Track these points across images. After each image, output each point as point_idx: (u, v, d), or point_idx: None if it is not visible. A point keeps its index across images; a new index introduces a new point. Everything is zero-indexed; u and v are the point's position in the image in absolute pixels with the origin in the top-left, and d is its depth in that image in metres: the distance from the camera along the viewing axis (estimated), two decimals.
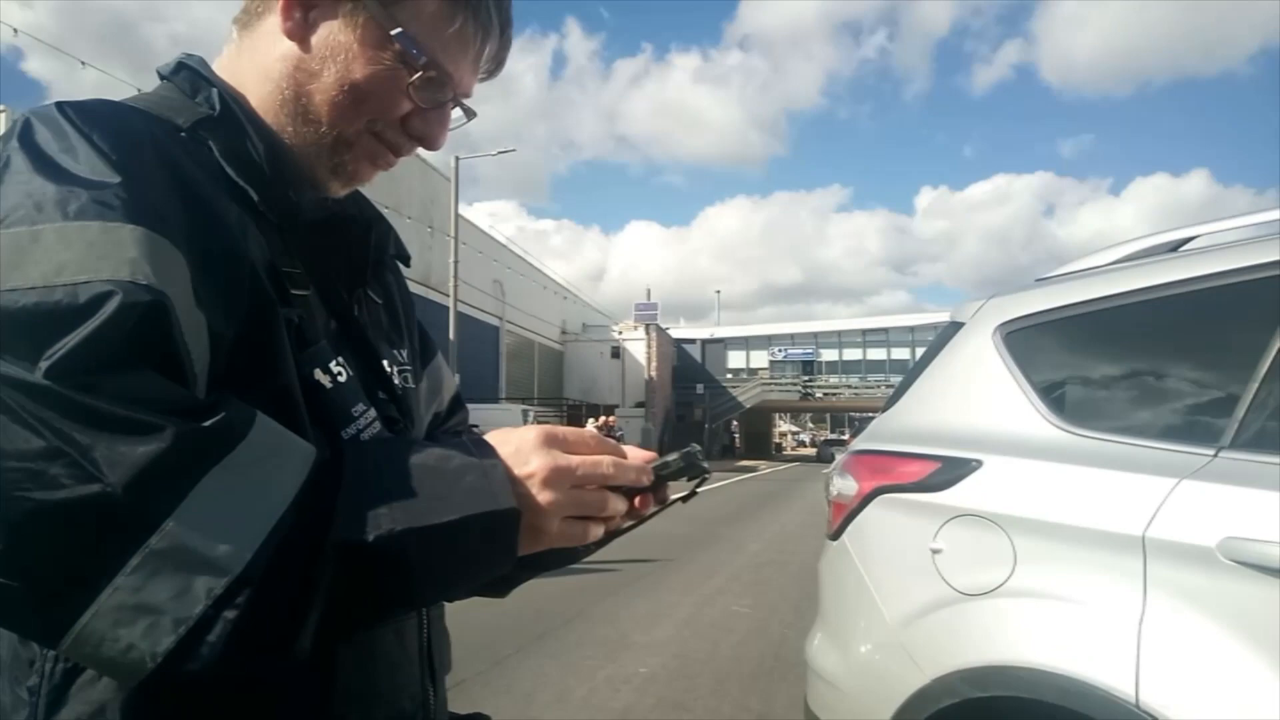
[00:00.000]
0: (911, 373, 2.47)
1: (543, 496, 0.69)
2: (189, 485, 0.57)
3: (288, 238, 0.77)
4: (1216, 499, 1.61)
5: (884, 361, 54.20)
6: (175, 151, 0.70)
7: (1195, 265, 1.90)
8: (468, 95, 0.85)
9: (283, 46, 0.79)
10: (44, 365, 0.55)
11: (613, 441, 0.77)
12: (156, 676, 0.56)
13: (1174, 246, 2.07)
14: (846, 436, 60.61)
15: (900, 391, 2.46)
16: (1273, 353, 1.68)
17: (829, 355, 56.18)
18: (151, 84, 0.83)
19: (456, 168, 25.31)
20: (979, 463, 2.00)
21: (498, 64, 0.87)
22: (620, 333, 48.17)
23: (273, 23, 0.79)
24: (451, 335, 22.47)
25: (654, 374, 46.96)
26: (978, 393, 2.17)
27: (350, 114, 0.80)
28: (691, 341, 56.27)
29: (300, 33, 0.78)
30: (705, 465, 0.80)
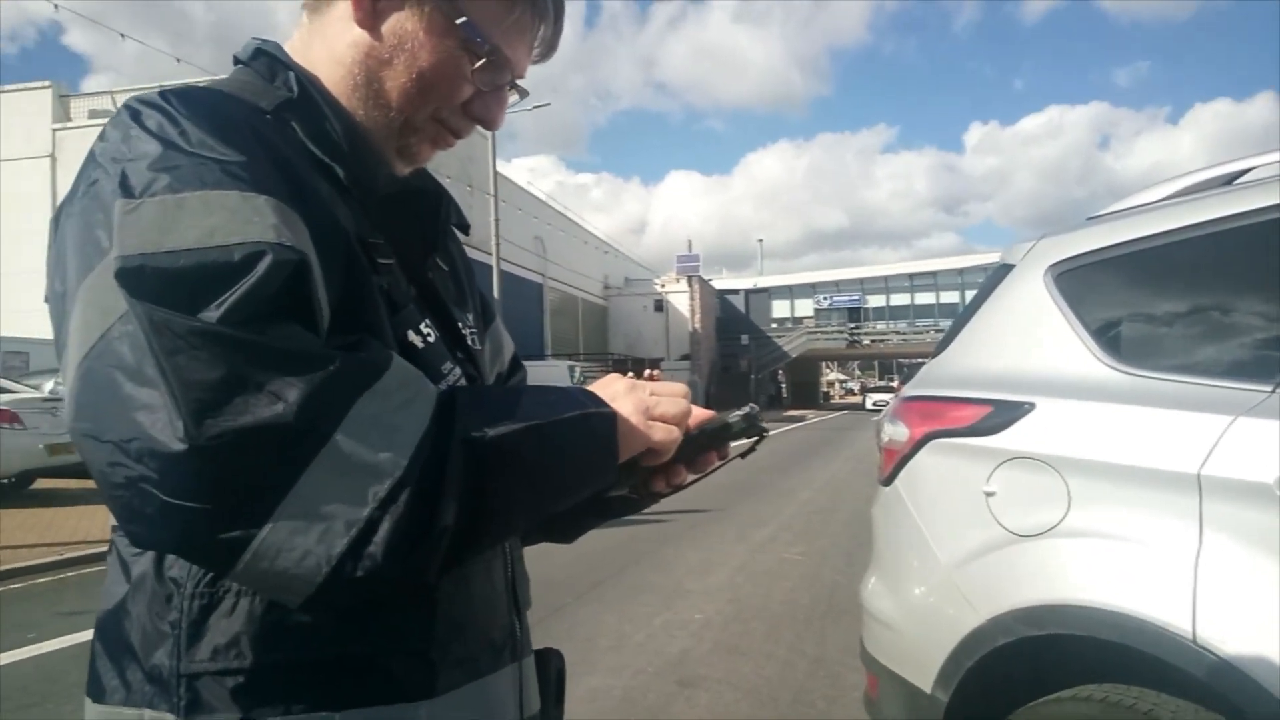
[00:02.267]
0: (961, 317, 2.46)
1: (624, 401, 0.80)
2: (348, 407, 0.64)
3: (369, 211, 0.82)
4: (1273, 435, 1.60)
5: (932, 306, 53.41)
6: (269, 133, 0.75)
7: (1250, 199, 1.86)
8: (522, 77, 0.89)
9: (353, 34, 0.83)
10: (216, 314, 0.61)
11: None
12: (327, 585, 0.62)
13: (1228, 180, 2.03)
14: (896, 383, 60.09)
15: (950, 336, 2.46)
16: None
17: (876, 301, 55.50)
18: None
19: None
20: (1031, 405, 2.01)
21: (551, 47, 0.91)
22: (663, 286, 48.07)
23: (343, 9, 0.83)
24: (495, 293, 22.64)
25: (698, 326, 46.88)
26: (1029, 335, 2.16)
27: (418, 101, 0.84)
28: (735, 292, 55.98)
29: (370, 21, 0.82)
30: (763, 425, 0.86)
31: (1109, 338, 2.01)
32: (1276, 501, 1.54)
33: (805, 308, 56.77)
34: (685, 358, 45.44)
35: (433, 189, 0.94)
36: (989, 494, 2.03)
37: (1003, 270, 2.32)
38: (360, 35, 0.82)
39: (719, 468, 0.88)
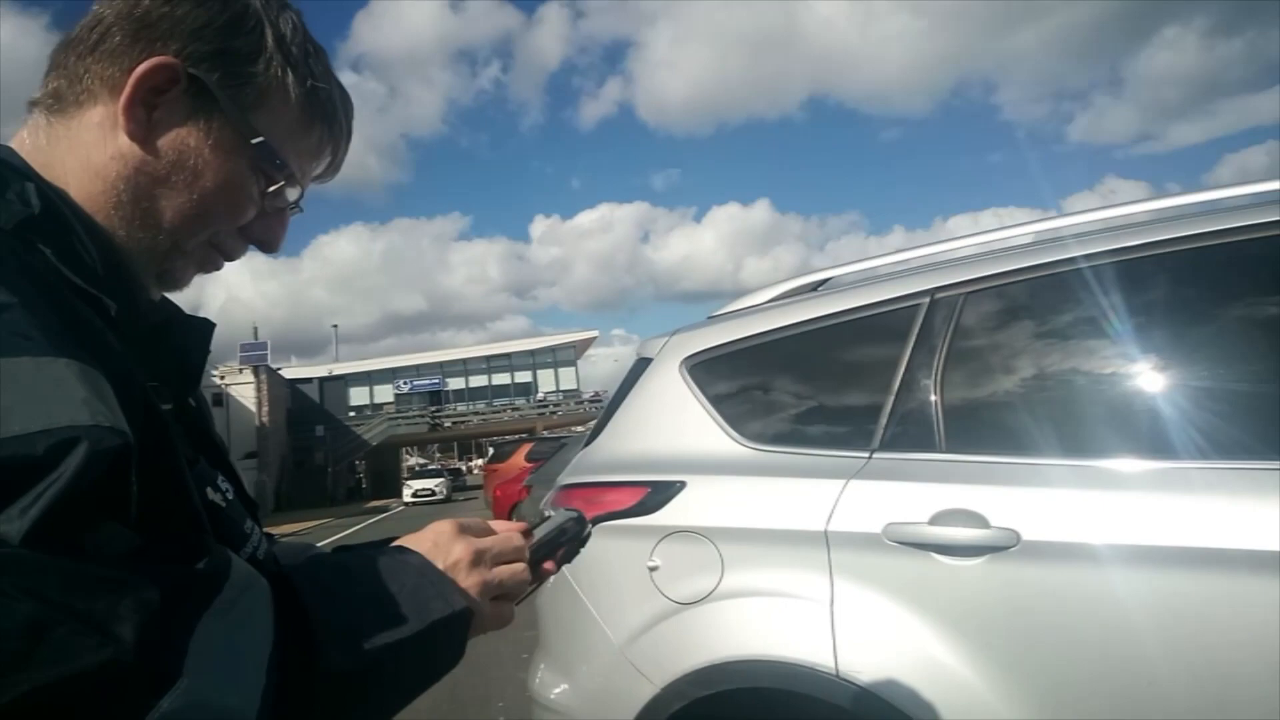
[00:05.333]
0: (609, 408, 2.66)
1: (469, 582, 0.72)
2: (188, 635, 0.52)
3: (133, 346, 0.68)
4: (876, 493, 1.98)
5: (508, 385, 55.86)
6: (27, 260, 0.60)
7: (832, 302, 2.32)
8: (302, 196, 0.83)
9: (119, 144, 0.71)
10: (18, 527, 0.47)
11: (505, 523, 0.82)
12: None
13: (814, 286, 2.50)
14: (482, 461, 60.80)
15: (601, 425, 2.63)
16: (902, 369, 2.11)
17: (456, 383, 56.36)
18: None
19: None
20: (683, 483, 2.24)
21: (337, 169, 0.86)
22: (223, 377, 43.78)
23: (99, 115, 0.71)
24: None
25: (265, 420, 43.46)
26: (673, 420, 2.41)
27: (197, 224, 0.74)
28: (308, 381, 52.99)
29: (144, 133, 0.71)
30: (589, 526, 0.92)
31: (739, 419, 2.33)
32: (884, 547, 1.91)
33: (385, 393, 55.61)
34: (251, 455, 41.66)
35: (194, 318, 0.82)
36: (652, 568, 2.20)
37: (643, 363, 2.57)
38: (129, 147, 0.71)
39: (552, 574, 0.89)
